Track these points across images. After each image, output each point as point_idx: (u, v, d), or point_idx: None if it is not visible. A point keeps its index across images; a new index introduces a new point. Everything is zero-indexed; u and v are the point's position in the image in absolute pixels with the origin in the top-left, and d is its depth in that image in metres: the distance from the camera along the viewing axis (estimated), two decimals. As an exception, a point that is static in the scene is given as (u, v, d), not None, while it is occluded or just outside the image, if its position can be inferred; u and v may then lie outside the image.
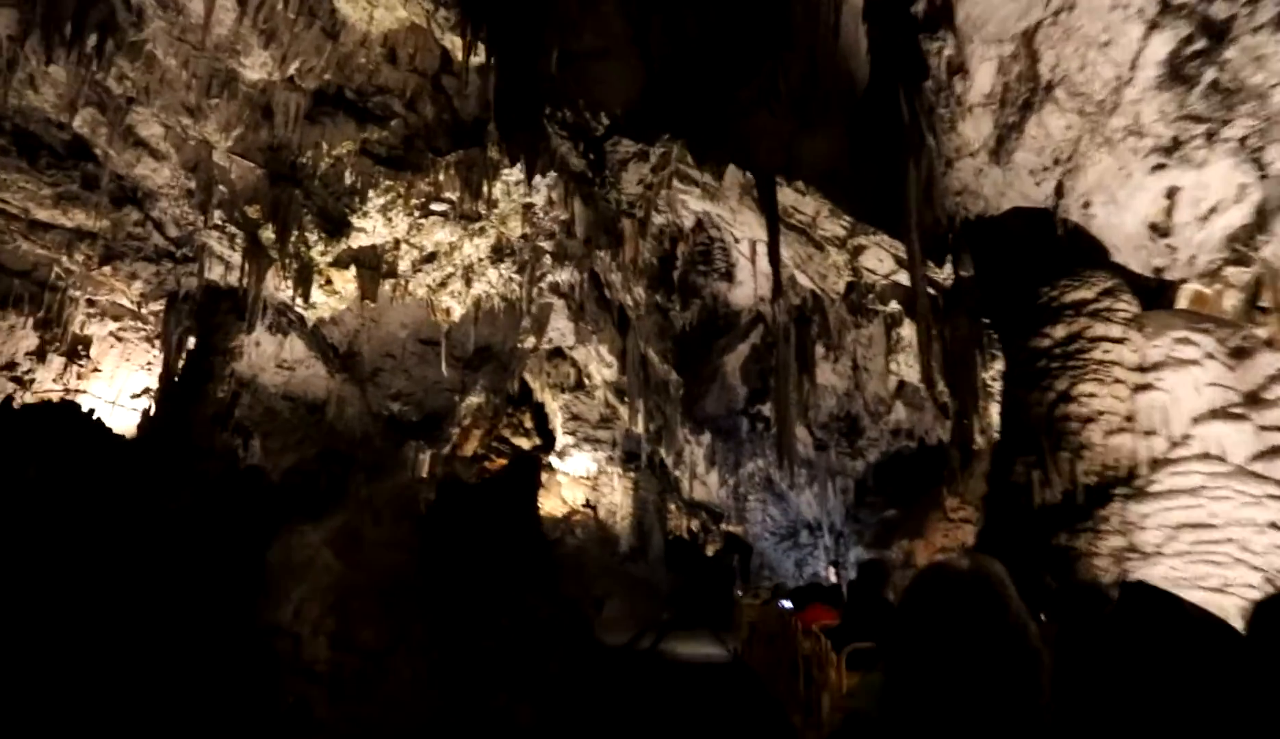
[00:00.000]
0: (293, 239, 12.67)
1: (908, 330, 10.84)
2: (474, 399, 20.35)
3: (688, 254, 16.00)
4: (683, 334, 16.58)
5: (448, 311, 15.07)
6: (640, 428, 22.01)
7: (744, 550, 26.43)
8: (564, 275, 15.20)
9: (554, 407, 25.32)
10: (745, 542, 26.49)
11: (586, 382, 25.02)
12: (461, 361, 20.04)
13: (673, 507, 27.24)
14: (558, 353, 24.28)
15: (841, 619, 5.92)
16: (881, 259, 10.46)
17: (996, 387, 9.80)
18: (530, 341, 21.26)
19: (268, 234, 12.44)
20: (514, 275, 14.51)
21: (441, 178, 13.20)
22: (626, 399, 21.14)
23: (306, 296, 13.41)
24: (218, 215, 12.82)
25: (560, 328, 21.30)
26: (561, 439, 24.97)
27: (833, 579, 18.35)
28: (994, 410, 9.87)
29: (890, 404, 13.06)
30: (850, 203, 8.88)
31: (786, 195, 9.90)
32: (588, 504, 25.52)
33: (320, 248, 12.98)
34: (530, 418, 27.00)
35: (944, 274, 9.46)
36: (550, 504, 25.14)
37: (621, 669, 14.51)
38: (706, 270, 15.71)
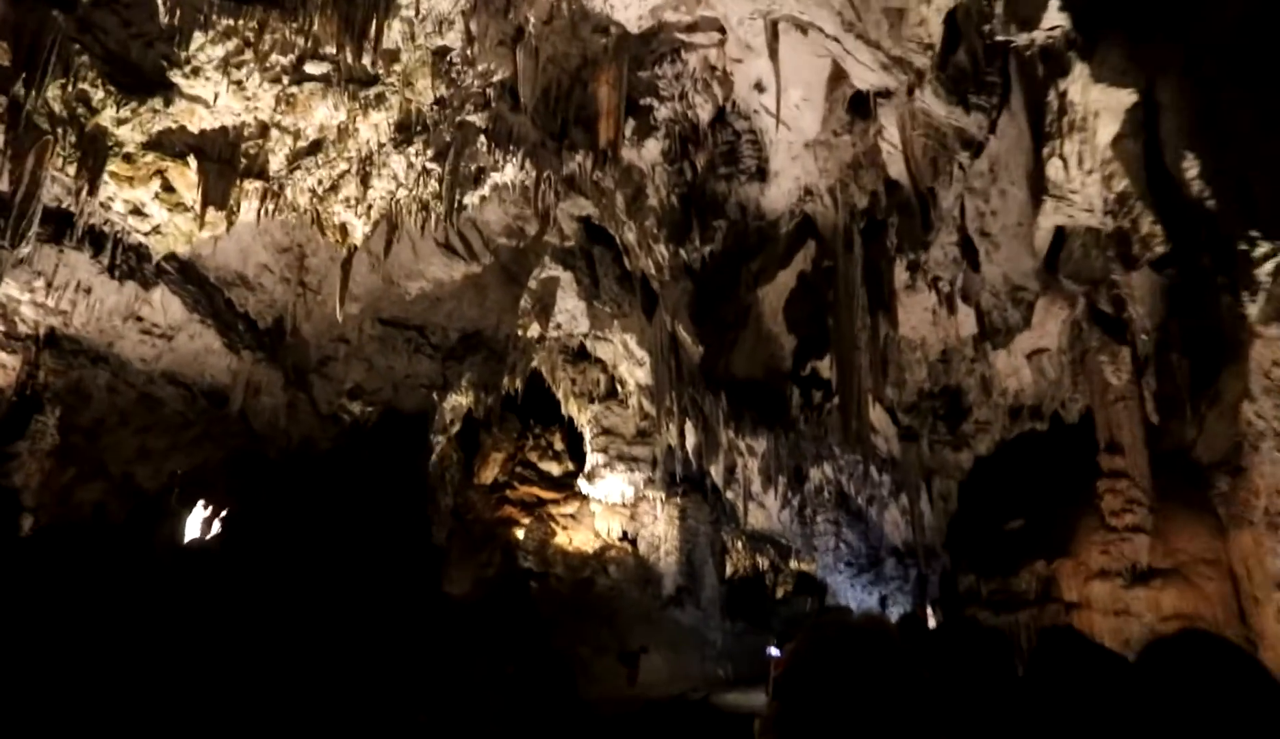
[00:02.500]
0: (59, 93, 7.61)
1: (1079, 91, 5.07)
2: (459, 399, 15.04)
3: (708, 160, 10.51)
4: (701, 271, 10.97)
5: (343, 229, 9.81)
6: (673, 434, 16.33)
7: (820, 591, 20.38)
8: (509, 172, 9.80)
9: (582, 420, 19.78)
10: (819, 581, 20.46)
11: (620, 389, 19.48)
12: (441, 351, 14.78)
13: (731, 540, 21.30)
14: (583, 354, 18.85)
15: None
16: None
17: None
18: (534, 328, 15.87)
19: (21, 89, 7.39)
20: (430, 164, 9.19)
21: (316, 21, 8.01)
22: (654, 393, 15.56)
23: (93, 187, 8.30)
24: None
25: (569, 309, 15.91)
26: (591, 458, 19.39)
27: (931, 622, 12.28)
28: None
29: (1037, 295, 7.19)
30: None
31: None
32: (625, 537, 19.79)
33: (113, 112, 7.89)
34: (561, 438, 21.53)
35: None
36: (580, 538, 19.54)
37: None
38: (731, 172, 10.22)
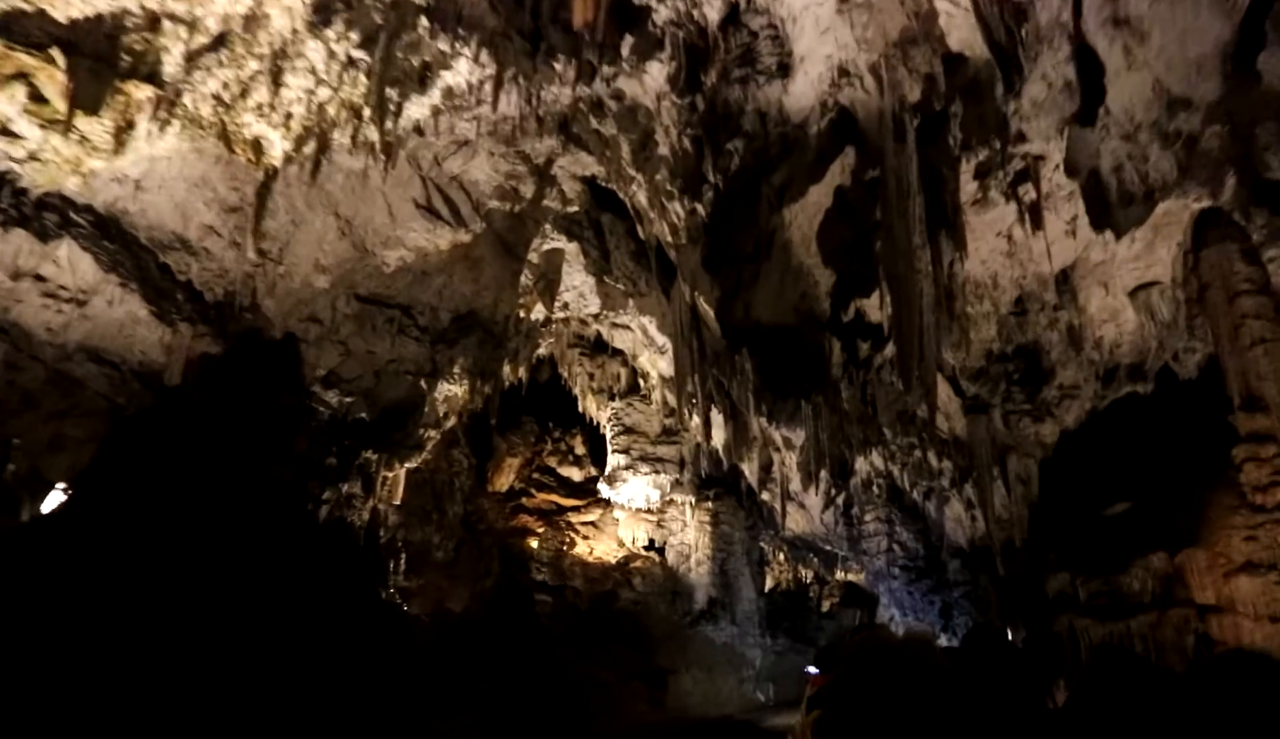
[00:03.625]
0: None
1: None
2: (453, 388, 12.87)
3: (720, 70, 8.29)
4: (715, 203, 8.70)
5: (256, 147, 7.69)
6: (697, 426, 14.08)
7: (869, 603, 17.90)
8: (462, 69, 7.58)
9: (601, 418, 17.58)
10: (868, 592, 18.00)
11: (642, 383, 17.27)
12: (430, 333, 12.67)
13: (772, 551, 18.84)
14: (601, 347, 16.69)
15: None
16: None
17: None
18: (539, 309, 13.72)
19: None
20: (356, 52, 7.06)
21: None
22: (675, 379, 13.35)
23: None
24: None
25: (576, 286, 13.76)
26: (612, 459, 17.16)
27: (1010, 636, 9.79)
28: None
29: (1203, 121, 4.82)
30: None
31: None
32: (651, 546, 17.47)
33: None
34: (583, 441, 19.34)
35: None
36: (602, 548, 17.26)
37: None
38: (747, 75, 7.99)
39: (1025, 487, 9.40)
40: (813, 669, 9.03)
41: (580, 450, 19.21)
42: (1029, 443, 9.37)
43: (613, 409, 17.27)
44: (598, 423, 17.71)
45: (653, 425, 17.11)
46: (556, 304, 13.74)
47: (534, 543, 16.78)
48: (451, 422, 13.46)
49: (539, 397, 19.41)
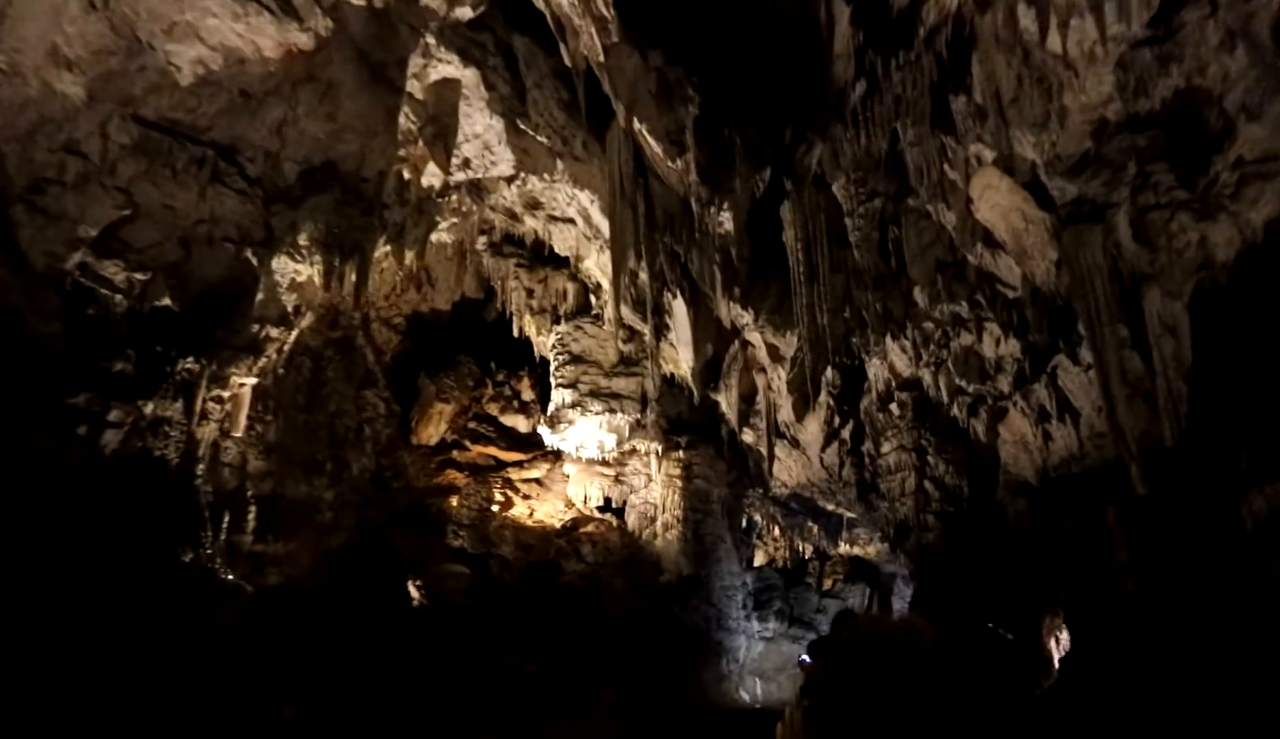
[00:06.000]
0: None
1: None
2: (299, 267, 8.66)
3: None
4: None
5: None
6: (648, 333, 9.95)
7: (881, 581, 13.77)
8: None
9: (542, 343, 13.35)
10: (880, 567, 13.91)
11: (593, 300, 13.04)
12: (263, 187, 8.48)
13: (765, 522, 14.48)
14: (538, 255, 12.47)
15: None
16: None
17: None
18: (431, 171, 9.48)
19: None
20: None
21: None
22: (610, 255, 9.17)
23: None
24: None
25: (479, 133, 9.53)
26: (557, 395, 12.87)
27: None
28: None
29: None
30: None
31: None
32: (607, 506, 13.21)
33: None
34: (531, 385, 15.10)
35: None
36: (546, 509, 12.98)
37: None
38: None
39: (1174, 343, 5.13)
40: (806, 658, 8.29)
41: (528, 395, 14.95)
42: (1181, 267, 5.08)
43: (557, 333, 12.99)
44: (535, 345, 13.45)
45: (607, 352, 12.83)
46: (454, 161, 9.48)
47: (454, 501, 12.54)
48: (308, 319, 9.25)
49: (484, 336, 15.30)
